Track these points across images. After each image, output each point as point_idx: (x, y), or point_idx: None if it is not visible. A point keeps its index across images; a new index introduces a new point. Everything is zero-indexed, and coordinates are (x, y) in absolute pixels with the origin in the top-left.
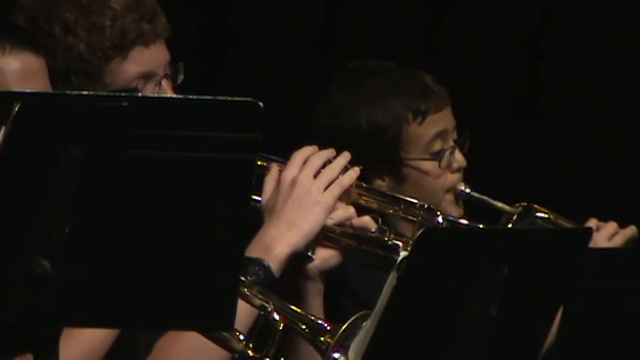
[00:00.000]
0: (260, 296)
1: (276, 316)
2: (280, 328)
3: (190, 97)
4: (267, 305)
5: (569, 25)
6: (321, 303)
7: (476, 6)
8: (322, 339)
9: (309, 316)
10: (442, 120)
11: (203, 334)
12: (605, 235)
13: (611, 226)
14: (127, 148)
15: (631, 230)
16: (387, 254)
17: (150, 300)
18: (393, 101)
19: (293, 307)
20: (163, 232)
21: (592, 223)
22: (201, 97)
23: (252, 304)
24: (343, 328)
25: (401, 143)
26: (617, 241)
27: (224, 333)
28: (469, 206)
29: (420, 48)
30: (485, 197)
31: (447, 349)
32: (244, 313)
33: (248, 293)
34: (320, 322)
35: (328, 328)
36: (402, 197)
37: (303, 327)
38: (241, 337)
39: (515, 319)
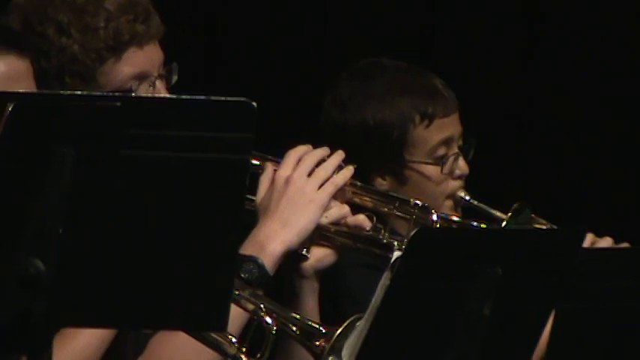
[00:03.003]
0: (252, 299)
1: (269, 320)
2: (273, 332)
3: (184, 96)
4: (259, 309)
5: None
6: (316, 302)
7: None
8: (317, 343)
9: (303, 320)
10: (449, 126)
11: (196, 338)
12: None
13: (606, 241)
14: (120, 148)
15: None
16: (382, 253)
17: (143, 300)
18: (401, 101)
19: (286, 310)
20: (157, 232)
21: (588, 238)
22: (194, 96)
23: (245, 308)
24: (339, 331)
25: (406, 144)
26: None
27: (216, 337)
28: (468, 214)
29: (415, 50)
30: (483, 205)
31: (440, 349)
32: (234, 316)
33: (240, 297)
34: (314, 325)
35: (323, 331)
36: (396, 195)
37: (297, 330)
38: (234, 340)
39: (508, 319)
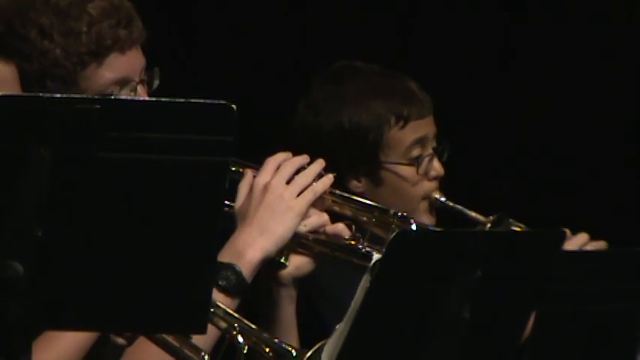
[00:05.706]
0: (226, 318)
1: (241, 339)
2: (245, 351)
3: (163, 99)
4: (232, 327)
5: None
6: (294, 310)
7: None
8: None
9: (275, 340)
10: (423, 127)
11: (168, 353)
12: (576, 245)
13: (582, 237)
14: (99, 150)
15: (601, 245)
16: (360, 262)
17: (122, 303)
18: (377, 104)
19: (259, 331)
20: (136, 234)
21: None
22: (174, 99)
23: (217, 326)
24: (309, 354)
25: (381, 146)
26: None
27: (189, 353)
28: (443, 215)
29: (392, 52)
30: (459, 207)
31: (419, 351)
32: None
33: (213, 315)
34: (286, 347)
35: (294, 353)
36: (376, 205)
37: (268, 351)
38: (206, 357)
39: (488, 322)
